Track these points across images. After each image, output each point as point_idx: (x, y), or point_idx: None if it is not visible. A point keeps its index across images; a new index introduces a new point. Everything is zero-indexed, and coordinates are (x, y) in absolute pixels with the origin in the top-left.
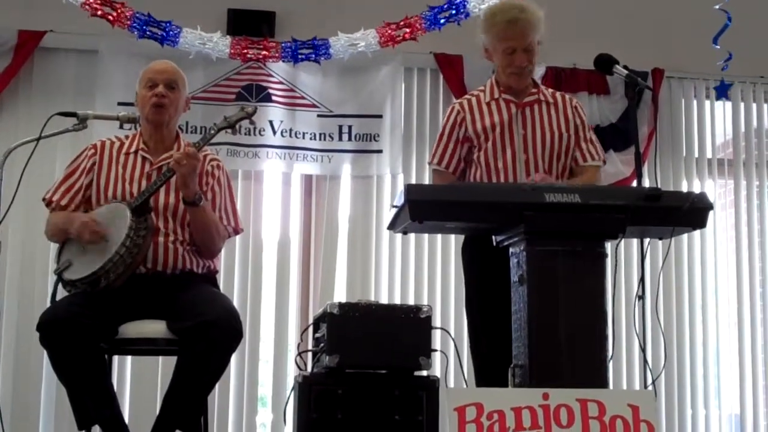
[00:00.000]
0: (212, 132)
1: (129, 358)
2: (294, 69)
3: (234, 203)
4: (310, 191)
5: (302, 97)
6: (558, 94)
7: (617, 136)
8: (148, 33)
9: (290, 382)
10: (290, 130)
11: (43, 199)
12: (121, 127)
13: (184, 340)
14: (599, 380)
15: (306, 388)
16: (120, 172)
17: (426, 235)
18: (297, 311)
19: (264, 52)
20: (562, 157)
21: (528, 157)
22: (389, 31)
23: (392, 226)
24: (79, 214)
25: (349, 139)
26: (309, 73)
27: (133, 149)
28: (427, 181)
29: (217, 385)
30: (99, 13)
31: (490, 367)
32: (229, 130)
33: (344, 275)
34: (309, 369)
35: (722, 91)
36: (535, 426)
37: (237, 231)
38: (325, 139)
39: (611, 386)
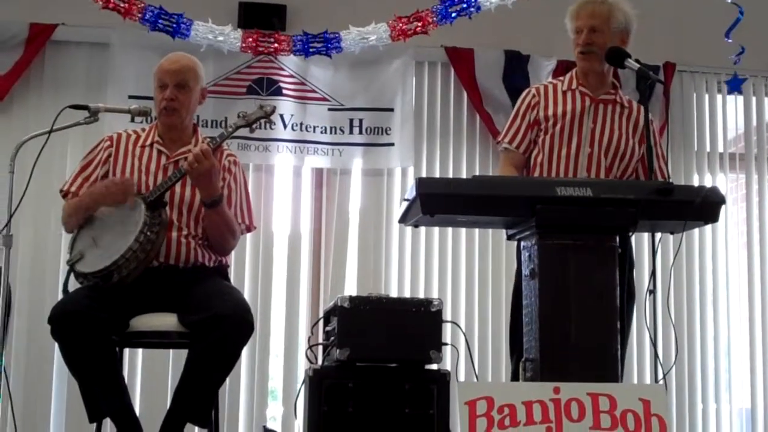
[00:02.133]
0: (230, 130)
1: (140, 351)
2: (305, 62)
3: (249, 201)
4: (321, 185)
5: (313, 91)
6: (634, 103)
7: None
8: (159, 26)
9: (301, 375)
10: (301, 123)
11: (60, 191)
12: (132, 120)
13: (195, 333)
14: (610, 374)
15: (316, 381)
16: (136, 164)
17: (437, 229)
18: (308, 305)
19: (275, 46)
20: (626, 158)
21: (592, 151)
22: (400, 25)
23: (403, 220)
24: (95, 185)
25: (360, 132)
26: (320, 66)
27: (148, 142)
28: (437, 174)
29: (228, 379)
30: (110, 5)
31: None
32: (246, 128)
33: (355, 268)
34: (320, 362)
35: (735, 86)
36: (546, 420)
37: (250, 229)
38: (336, 133)
39: (622, 380)
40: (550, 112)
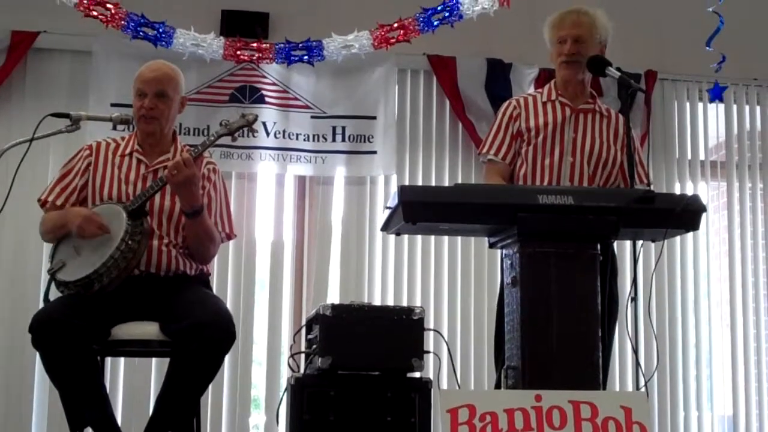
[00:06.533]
0: (211, 139)
1: (122, 359)
2: (287, 70)
3: (229, 209)
4: (303, 192)
5: (296, 99)
6: (612, 111)
7: None
8: (141, 34)
9: (283, 383)
10: (284, 131)
11: (38, 200)
12: (114, 128)
13: (177, 341)
14: (592, 382)
15: (299, 389)
16: (116, 173)
17: (419, 237)
18: (290, 313)
19: (257, 54)
20: (608, 166)
21: (575, 160)
22: (383, 33)
23: (385, 228)
24: (78, 208)
25: (343, 140)
26: (302, 74)
27: (128, 151)
28: (420, 182)
29: (210, 387)
30: (92, 13)
31: None
32: (228, 137)
33: (337, 276)
34: (302, 371)
35: (716, 94)
36: (527, 428)
37: (230, 237)
38: (318, 140)
39: (604, 388)
40: (532, 123)
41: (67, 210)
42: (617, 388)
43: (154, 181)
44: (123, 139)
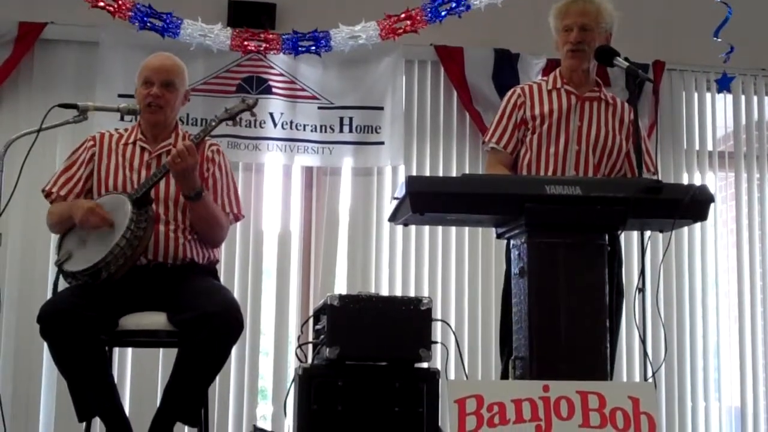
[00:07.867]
0: (213, 124)
1: (129, 350)
2: (294, 61)
3: (236, 188)
4: (310, 183)
5: (303, 89)
6: (618, 99)
7: None
8: (148, 24)
9: (291, 374)
10: (291, 122)
11: (43, 191)
12: (122, 118)
13: (184, 332)
14: (599, 372)
15: (306, 380)
16: (120, 161)
17: (426, 227)
18: (297, 303)
19: (265, 44)
20: (613, 155)
21: (580, 148)
22: (390, 24)
23: (393, 218)
24: (82, 201)
25: (350, 130)
26: (310, 65)
27: (131, 140)
28: (427, 172)
29: (217, 378)
30: (100, 4)
31: None
32: (230, 122)
33: (345, 267)
34: (309, 361)
35: (724, 84)
36: (535, 418)
37: (238, 218)
38: (325, 131)
39: (611, 378)
40: (537, 111)
41: (72, 202)
42: (625, 379)
43: (157, 169)
44: (126, 130)
